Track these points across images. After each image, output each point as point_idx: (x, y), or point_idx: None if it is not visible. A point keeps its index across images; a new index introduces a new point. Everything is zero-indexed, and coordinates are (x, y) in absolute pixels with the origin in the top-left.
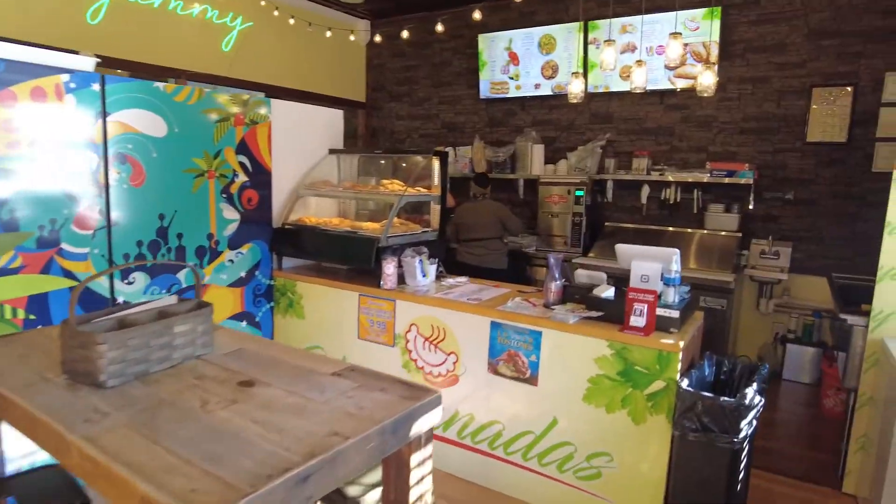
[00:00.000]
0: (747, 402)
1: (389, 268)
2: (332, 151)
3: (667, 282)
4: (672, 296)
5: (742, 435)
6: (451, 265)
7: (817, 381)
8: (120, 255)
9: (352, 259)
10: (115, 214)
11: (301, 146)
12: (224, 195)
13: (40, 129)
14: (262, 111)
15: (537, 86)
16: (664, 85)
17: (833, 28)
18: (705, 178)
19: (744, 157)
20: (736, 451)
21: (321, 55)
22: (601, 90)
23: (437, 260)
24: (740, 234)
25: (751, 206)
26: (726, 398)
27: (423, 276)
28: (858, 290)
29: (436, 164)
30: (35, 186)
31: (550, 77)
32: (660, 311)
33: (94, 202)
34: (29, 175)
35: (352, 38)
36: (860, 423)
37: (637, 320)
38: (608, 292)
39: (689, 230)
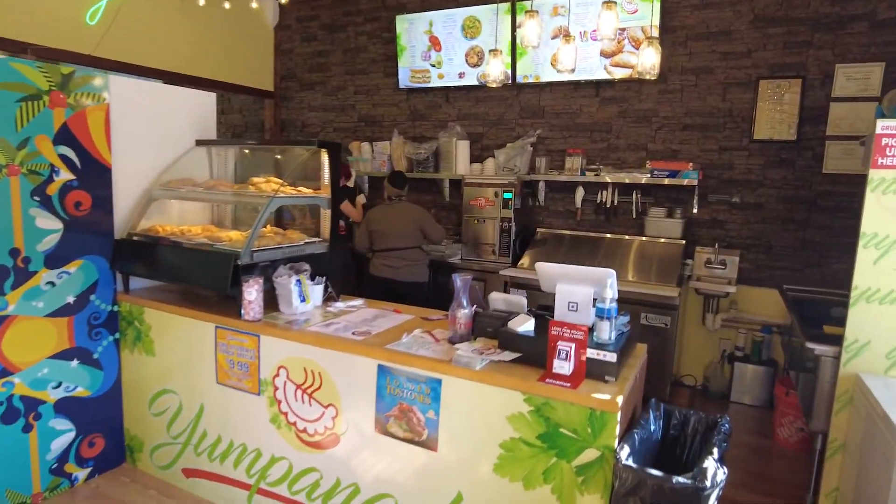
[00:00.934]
0: (708, 481)
1: (251, 292)
2: (199, 143)
3: (600, 313)
4: (607, 332)
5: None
6: (364, 280)
7: (767, 404)
8: None
9: (205, 280)
10: None
11: (159, 136)
12: (36, 198)
13: None
14: (96, 90)
15: (461, 74)
16: (600, 75)
17: (780, 14)
18: (645, 178)
19: (687, 156)
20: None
21: (219, 36)
22: (531, 80)
23: (324, 279)
24: (684, 242)
25: (695, 211)
26: (680, 479)
27: (303, 300)
28: (814, 304)
29: (324, 158)
30: None
31: (476, 65)
32: (591, 354)
33: None
34: None
35: (254, 4)
36: (831, 473)
37: (562, 365)
38: (526, 326)
39: (628, 237)
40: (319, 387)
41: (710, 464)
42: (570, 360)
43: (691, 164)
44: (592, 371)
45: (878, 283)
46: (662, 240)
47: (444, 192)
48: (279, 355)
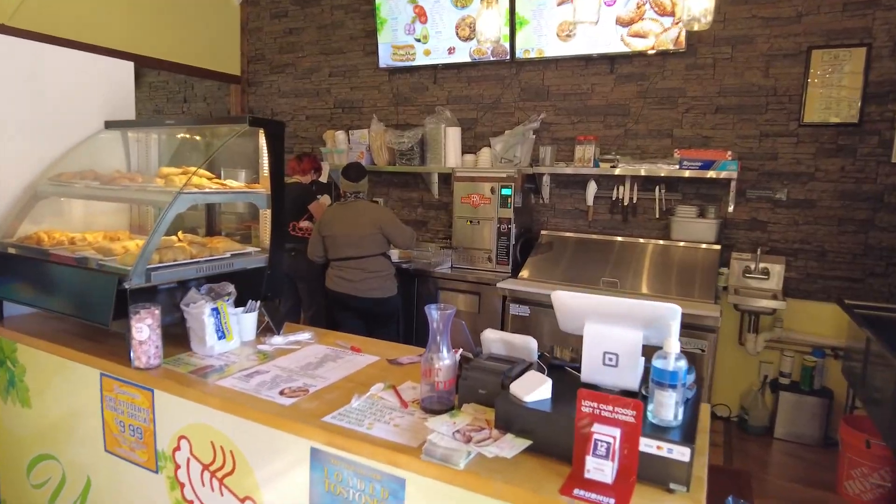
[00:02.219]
0: None
1: (142, 328)
2: (109, 125)
3: (660, 377)
4: (672, 407)
5: None
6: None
7: (821, 442)
8: None
9: (83, 310)
10: None
11: (49, 116)
12: None
13: None
14: None
15: (451, 50)
16: (616, 47)
17: None
18: (671, 170)
19: (721, 144)
20: None
21: (178, 12)
22: (533, 55)
23: (256, 304)
24: (719, 247)
25: (731, 209)
26: None
27: (221, 336)
28: (888, 322)
29: (262, 140)
30: None
31: (468, 38)
32: (647, 447)
33: None
34: None
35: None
36: None
37: (600, 466)
38: (539, 392)
39: (651, 241)
40: (232, 471)
41: None
42: (612, 458)
43: (729, 152)
44: (648, 472)
45: None
46: (693, 245)
47: (431, 189)
48: (180, 421)
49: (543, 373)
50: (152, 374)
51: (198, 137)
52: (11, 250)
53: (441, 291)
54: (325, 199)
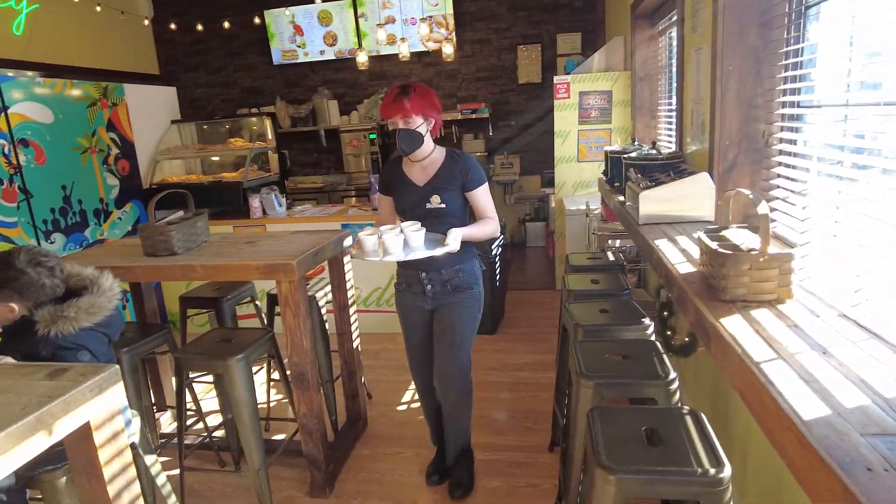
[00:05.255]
0: None
1: (255, 201)
2: (174, 122)
3: None
4: None
5: (493, 253)
6: None
7: (546, 244)
8: (40, 220)
9: (222, 201)
10: (30, 189)
11: (150, 119)
12: (105, 166)
13: None
14: (119, 95)
15: (322, 52)
16: (420, 48)
17: (522, 3)
18: (458, 116)
19: (482, 98)
20: (492, 263)
21: (106, 31)
22: (374, 54)
23: (284, 194)
24: (487, 153)
25: (491, 133)
26: None
27: (280, 206)
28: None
29: (268, 122)
30: None
31: (332, 45)
32: None
33: (13, 180)
34: None
35: (146, 23)
36: (559, 248)
37: None
38: None
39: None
40: None
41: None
42: None
43: (484, 103)
44: None
45: None
46: (476, 154)
47: (321, 140)
48: None
49: None
50: (262, 220)
51: (205, 126)
52: (154, 186)
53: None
54: None
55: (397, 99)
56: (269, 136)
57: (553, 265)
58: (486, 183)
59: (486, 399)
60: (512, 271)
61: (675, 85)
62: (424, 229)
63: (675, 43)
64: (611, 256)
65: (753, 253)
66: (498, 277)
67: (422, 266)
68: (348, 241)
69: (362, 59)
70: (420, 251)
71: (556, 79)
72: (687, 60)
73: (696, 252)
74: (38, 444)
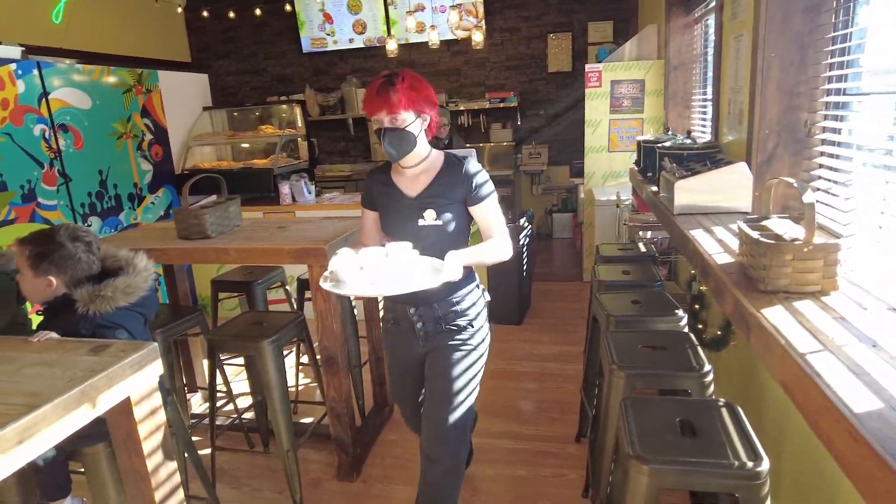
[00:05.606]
0: (521, 224)
1: (285, 188)
2: (205, 108)
3: None
4: None
5: (521, 243)
6: None
7: (573, 235)
8: (78, 204)
9: (252, 188)
10: (69, 172)
11: (182, 106)
12: (139, 151)
13: (6, 109)
14: (154, 82)
15: (351, 40)
16: (449, 37)
17: None
18: (486, 105)
19: (510, 87)
20: (519, 253)
21: (139, 19)
22: (402, 42)
23: (313, 182)
24: (515, 143)
25: (519, 122)
26: (510, 224)
27: (309, 193)
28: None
29: (297, 109)
30: (11, 155)
31: (361, 33)
32: None
33: (53, 164)
34: (6, 146)
35: (179, 10)
36: (587, 239)
37: None
38: None
39: (481, 144)
40: None
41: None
42: None
43: (513, 92)
44: None
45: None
46: (503, 143)
47: (349, 129)
48: None
49: None
50: (291, 206)
51: (235, 114)
52: (186, 172)
53: None
54: None
55: (382, 91)
56: (299, 123)
57: (580, 256)
58: (495, 194)
59: (511, 388)
60: (538, 262)
61: (710, 74)
62: (416, 252)
63: (711, 30)
64: (642, 248)
65: (797, 243)
66: (525, 268)
67: (409, 299)
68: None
69: (392, 46)
70: (408, 282)
71: (587, 67)
72: (725, 48)
73: (733, 243)
74: (82, 417)
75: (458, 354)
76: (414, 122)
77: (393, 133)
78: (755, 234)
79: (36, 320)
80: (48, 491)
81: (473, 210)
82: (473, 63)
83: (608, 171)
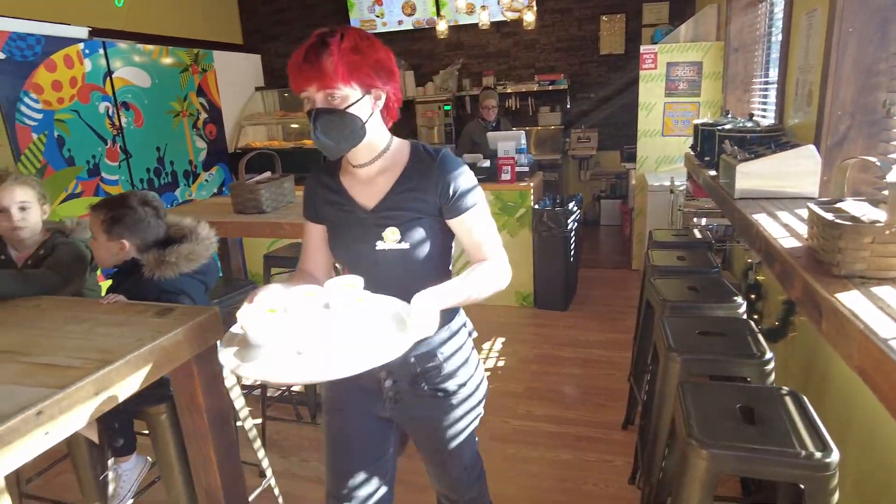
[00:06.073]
0: (569, 208)
1: None
2: (257, 89)
3: (519, 151)
4: (523, 159)
5: (569, 228)
6: None
7: (621, 222)
8: (138, 179)
9: (302, 167)
10: (129, 149)
11: (236, 86)
12: (194, 129)
13: (75, 87)
14: (209, 62)
15: (400, 22)
16: (499, 18)
17: None
18: (535, 88)
19: (560, 70)
20: (566, 237)
21: (201, 3)
22: (452, 24)
23: None
24: (563, 127)
25: (568, 106)
26: (559, 207)
27: None
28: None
29: None
30: (79, 131)
31: (410, 14)
32: (518, 169)
33: (115, 140)
34: (74, 123)
35: None
36: (637, 226)
37: (505, 176)
38: (486, 163)
39: (529, 128)
40: None
41: (570, 204)
42: (509, 173)
43: (563, 74)
44: (519, 177)
45: None
46: (551, 127)
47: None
48: None
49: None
50: None
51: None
52: (239, 150)
53: None
54: None
55: (311, 56)
56: None
57: (629, 244)
58: (484, 201)
59: (554, 374)
60: (585, 249)
61: (775, 55)
62: (371, 296)
63: (778, 8)
64: (697, 234)
65: (878, 225)
66: (572, 253)
67: None
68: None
69: (442, 27)
70: (353, 359)
71: (642, 48)
72: (795, 25)
73: (799, 227)
74: (150, 374)
75: (446, 426)
76: (361, 101)
77: (328, 117)
78: (829, 216)
79: (104, 288)
80: (115, 448)
81: (454, 224)
82: (523, 45)
83: (662, 156)
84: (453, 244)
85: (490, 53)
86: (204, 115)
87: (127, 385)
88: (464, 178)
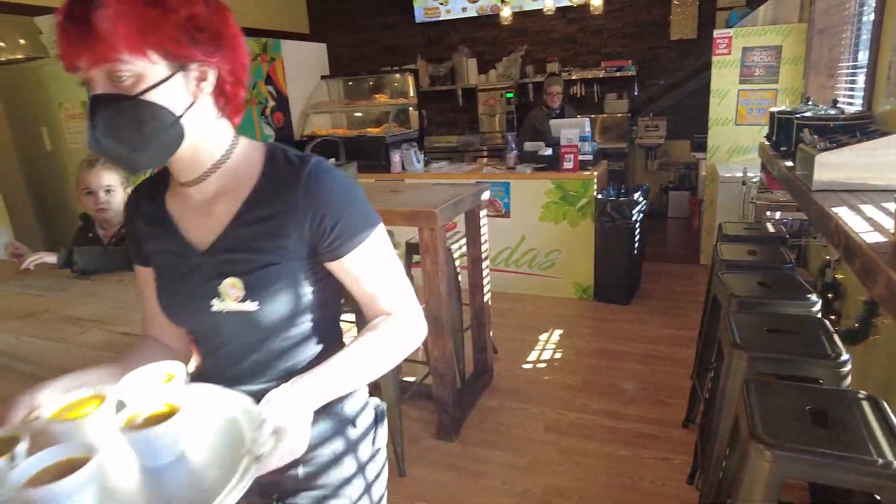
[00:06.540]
0: (634, 198)
1: (396, 156)
2: (324, 77)
3: (582, 139)
4: (587, 147)
5: (633, 219)
6: None
7: (690, 215)
8: None
9: (366, 155)
10: None
11: (302, 75)
12: (263, 117)
13: None
14: (276, 50)
15: (464, 9)
16: (565, 3)
17: None
18: (601, 74)
19: (628, 56)
20: (630, 229)
21: None
22: (516, 10)
23: (422, 150)
24: (630, 115)
25: (636, 93)
26: (623, 198)
27: (418, 162)
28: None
29: (410, 79)
30: None
31: (474, 1)
32: (581, 157)
33: None
34: None
35: None
36: (707, 219)
37: (568, 164)
38: (548, 151)
39: (594, 115)
40: None
41: (636, 194)
42: (571, 161)
43: (630, 60)
44: (582, 165)
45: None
46: (618, 114)
47: (458, 99)
48: None
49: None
50: (401, 174)
51: (350, 82)
52: (305, 138)
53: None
54: None
55: (76, 11)
56: (411, 93)
57: (698, 237)
58: (380, 228)
59: (613, 368)
60: (650, 242)
61: (865, 37)
62: (200, 396)
63: None
64: (770, 228)
65: None
66: (636, 246)
67: None
68: (485, 196)
69: (506, 13)
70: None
71: (716, 32)
72: (890, 5)
73: (885, 221)
74: None
75: None
76: (168, 83)
77: (113, 107)
78: None
79: None
80: None
81: (335, 269)
82: (590, 30)
83: (734, 146)
84: (341, 295)
85: (555, 39)
86: (272, 104)
87: None
88: (346, 198)
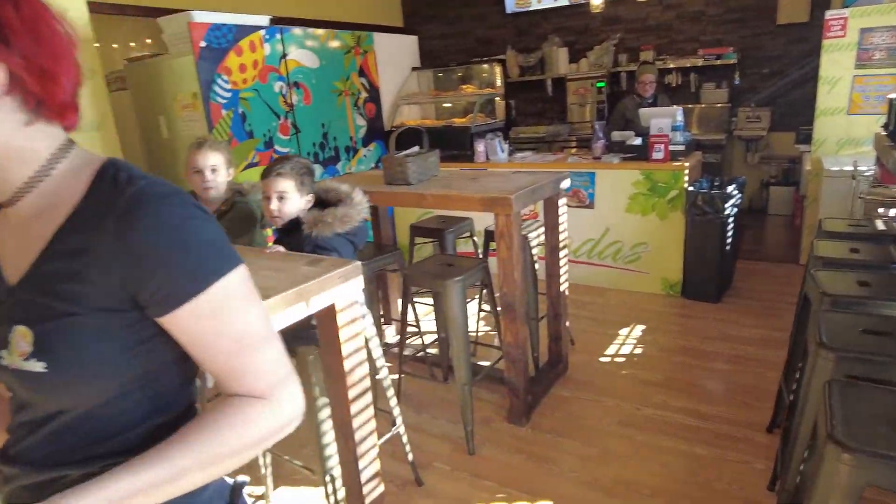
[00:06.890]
0: (728, 191)
1: (480, 146)
2: (414, 69)
3: (674, 128)
4: (678, 137)
5: (726, 213)
6: None
7: (793, 212)
8: (305, 152)
9: (451, 145)
10: (299, 125)
11: (394, 67)
12: (355, 108)
13: (256, 69)
14: (369, 42)
15: None
16: None
17: None
18: (699, 62)
19: (728, 43)
20: (723, 223)
21: None
22: None
23: (507, 140)
24: (730, 105)
25: (736, 82)
26: (715, 190)
27: (502, 151)
28: None
29: (497, 69)
30: (258, 108)
31: None
32: (672, 147)
33: (287, 116)
34: (254, 101)
35: None
36: (809, 216)
37: (658, 154)
38: (637, 140)
39: (690, 105)
40: None
41: (730, 188)
42: (661, 151)
43: (731, 48)
44: (673, 156)
45: None
46: (717, 105)
47: (547, 89)
48: None
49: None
50: (484, 164)
51: (439, 74)
52: (394, 128)
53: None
54: None
55: None
56: (498, 83)
57: (799, 235)
58: (240, 270)
59: (697, 367)
60: (746, 239)
61: None
62: None
63: None
64: (880, 225)
65: None
66: (729, 242)
67: None
68: (565, 184)
69: (597, 1)
70: None
71: (828, 13)
72: None
73: None
74: (299, 311)
75: None
76: None
77: None
78: None
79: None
80: None
81: (168, 323)
82: (687, 17)
83: (845, 138)
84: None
85: (649, 27)
86: (364, 95)
87: (280, 318)
88: (172, 236)
